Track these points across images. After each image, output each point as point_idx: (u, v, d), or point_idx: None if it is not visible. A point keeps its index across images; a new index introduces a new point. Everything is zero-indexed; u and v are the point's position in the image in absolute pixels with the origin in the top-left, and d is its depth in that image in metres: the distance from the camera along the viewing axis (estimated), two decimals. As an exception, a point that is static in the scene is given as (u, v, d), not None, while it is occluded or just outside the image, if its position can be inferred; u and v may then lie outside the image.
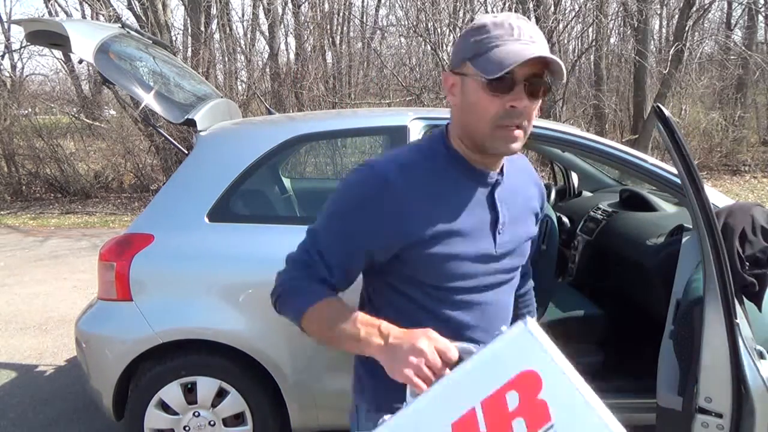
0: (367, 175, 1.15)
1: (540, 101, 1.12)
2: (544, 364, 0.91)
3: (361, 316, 1.10)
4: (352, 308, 1.14)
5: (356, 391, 1.31)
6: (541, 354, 0.92)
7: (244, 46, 12.85)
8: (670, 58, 10.15)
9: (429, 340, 1.00)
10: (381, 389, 1.15)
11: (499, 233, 1.20)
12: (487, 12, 11.16)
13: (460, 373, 0.92)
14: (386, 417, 0.93)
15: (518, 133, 1.11)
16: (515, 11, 10.08)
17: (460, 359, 0.97)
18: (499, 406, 0.88)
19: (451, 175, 1.17)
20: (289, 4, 12.41)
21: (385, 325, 1.07)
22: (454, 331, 1.16)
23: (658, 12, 13.11)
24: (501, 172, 1.21)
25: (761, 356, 1.85)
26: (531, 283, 1.52)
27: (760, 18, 12.74)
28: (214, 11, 11.08)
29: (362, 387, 1.28)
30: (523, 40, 1.06)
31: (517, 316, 1.32)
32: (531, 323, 0.94)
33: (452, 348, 1.00)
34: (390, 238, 1.14)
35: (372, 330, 1.07)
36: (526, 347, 0.91)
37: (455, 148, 1.19)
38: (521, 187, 1.28)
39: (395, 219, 1.12)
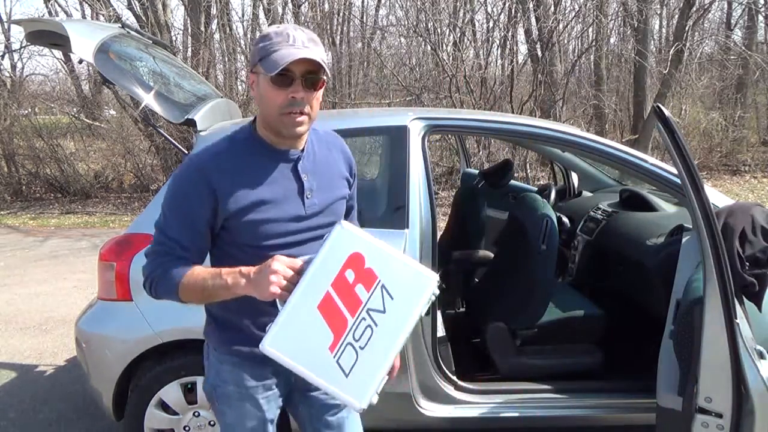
0: (187, 168, 1.44)
1: (318, 92, 1.42)
2: (361, 244, 1.31)
3: (224, 270, 1.37)
4: (211, 269, 1.42)
5: (206, 334, 1.62)
6: (357, 239, 1.31)
7: (244, 46, 12.84)
8: (670, 58, 10.14)
9: (279, 261, 1.31)
10: (220, 331, 1.56)
11: (307, 198, 1.49)
12: (487, 12, 11.17)
13: (311, 273, 1.28)
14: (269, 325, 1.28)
15: (302, 118, 1.41)
16: (515, 11, 10.09)
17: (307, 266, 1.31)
18: (343, 282, 1.29)
19: (254, 157, 1.46)
20: (289, 4, 12.42)
21: (244, 268, 1.35)
22: None
23: (658, 12, 13.10)
24: (303, 150, 1.50)
25: (761, 356, 1.85)
26: None
27: (760, 18, 12.73)
28: (214, 11, 11.07)
29: (209, 330, 1.60)
30: (297, 45, 1.35)
31: None
32: (344, 223, 1.33)
33: (297, 261, 1.32)
34: (215, 213, 1.42)
35: (235, 275, 1.35)
36: (346, 238, 1.31)
37: (260, 135, 1.48)
38: (330, 158, 1.58)
39: (213, 198, 1.40)
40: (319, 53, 1.38)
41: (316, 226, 1.50)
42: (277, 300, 1.30)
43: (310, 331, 1.27)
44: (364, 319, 1.29)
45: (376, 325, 1.29)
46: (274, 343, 1.27)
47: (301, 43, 1.36)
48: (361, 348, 1.28)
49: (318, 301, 1.28)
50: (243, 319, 1.52)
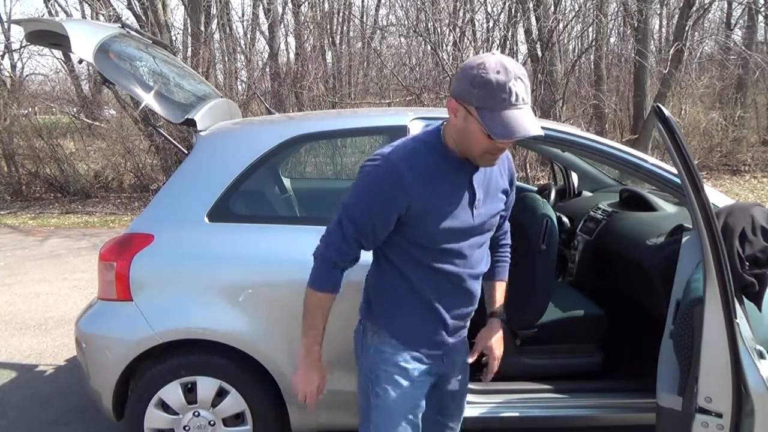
0: (384, 165, 1.52)
1: None
2: None
3: (317, 330, 1.64)
4: (325, 315, 1.63)
5: (364, 314, 1.72)
6: None
7: (244, 46, 12.86)
8: (670, 58, 10.14)
9: (316, 378, 1.69)
10: (385, 316, 1.66)
11: (475, 208, 1.59)
12: (487, 12, 11.16)
13: None
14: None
15: (499, 158, 1.54)
16: (515, 11, 10.10)
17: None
18: None
19: (441, 164, 1.55)
20: (289, 4, 12.42)
21: (315, 348, 1.65)
22: (444, 275, 1.61)
23: (658, 12, 13.11)
24: None
25: (761, 356, 1.85)
26: (507, 240, 1.95)
27: (760, 18, 12.73)
28: (214, 11, 11.07)
29: (371, 312, 1.70)
30: (519, 105, 1.40)
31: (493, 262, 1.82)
32: None
33: (324, 389, 1.69)
34: (401, 211, 1.53)
35: (308, 341, 1.65)
36: None
37: (450, 147, 1.55)
38: (495, 172, 1.66)
39: (408, 196, 1.50)
40: (535, 119, 1.42)
41: (478, 235, 1.63)
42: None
43: None
44: None
45: None
46: None
47: (521, 100, 1.40)
48: None
49: None
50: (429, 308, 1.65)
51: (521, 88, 1.39)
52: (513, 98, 1.38)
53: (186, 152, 2.95)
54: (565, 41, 11.56)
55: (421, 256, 1.58)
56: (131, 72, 2.75)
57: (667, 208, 3.19)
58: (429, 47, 9.98)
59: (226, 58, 11.65)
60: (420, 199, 1.51)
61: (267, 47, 12.34)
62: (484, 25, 11.63)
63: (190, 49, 11.15)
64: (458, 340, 1.75)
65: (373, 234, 1.56)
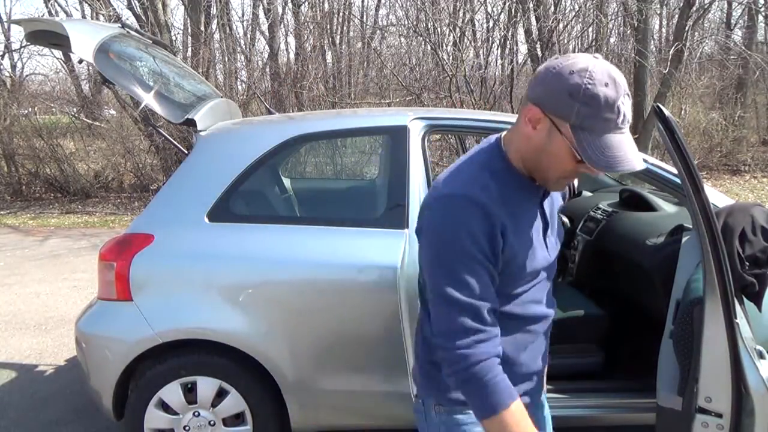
0: (462, 203, 1.16)
1: None
2: None
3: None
4: (527, 416, 1.18)
5: (422, 386, 1.36)
6: None
7: (244, 46, 12.86)
8: (670, 58, 10.14)
9: None
10: (448, 388, 1.27)
11: (547, 238, 1.31)
12: (487, 12, 11.16)
13: None
14: None
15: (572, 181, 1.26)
16: (515, 11, 10.10)
17: None
18: None
19: (518, 193, 1.22)
20: (289, 4, 12.43)
21: None
22: (525, 325, 1.30)
23: (658, 12, 13.11)
24: None
25: (761, 356, 1.85)
26: None
27: (760, 18, 12.73)
28: (214, 11, 11.08)
29: (435, 383, 1.31)
30: (624, 129, 1.13)
31: None
32: None
33: None
34: (503, 254, 1.18)
35: None
36: None
37: (517, 167, 1.23)
38: (556, 193, 1.39)
39: (499, 237, 1.17)
40: (635, 146, 1.17)
41: (549, 270, 1.35)
42: None
43: None
44: None
45: None
46: None
47: (627, 122, 1.14)
48: None
49: None
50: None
51: (629, 107, 1.13)
52: (620, 120, 1.11)
53: (186, 152, 2.95)
54: (565, 41, 11.55)
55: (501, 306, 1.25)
56: (131, 72, 2.75)
57: (667, 208, 3.19)
58: (429, 47, 9.98)
59: (226, 58, 11.66)
60: (512, 234, 1.19)
61: (267, 47, 12.35)
62: (484, 25, 11.65)
63: (190, 49, 11.15)
64: (540, 393, 1.49)
65: (491, 280, 1.18)
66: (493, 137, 1.27)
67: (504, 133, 1.26)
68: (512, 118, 3.50)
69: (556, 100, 1.11)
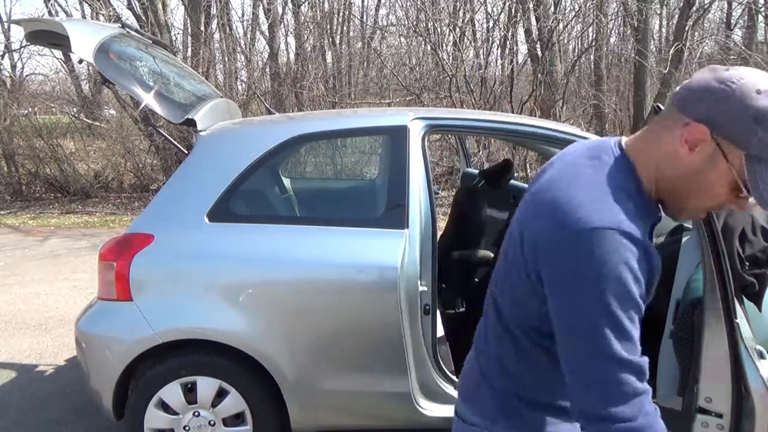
0: (623, 239, 0.93)
1: None
2: None
3: None
4: None
5: (498, 419, 1.14)
6: None
7: (244, 46, 12.86)
8: (670, 58, 10.13)
9: None
10: (536, 426, 1.11)
11: None
12: (487, 12, 11.15)
13: None
14: None
15: None
16: (515, 11, 10.09)
17: None
18: None
19: (645, 221, 1.01)
20: (289, 4, 12.42)
21: None
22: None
23: (658, 12, 13.10)
24: None
25: (761, 356, 1.85)
26: None
27: (760, 18, 12.73)
28: (214, 11, 11.08)
29: (519, 421, 1.13)
30: None
31: None
32: None
33: None
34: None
35: None
36: None
37: (645, 191, 1.02)
38: None
39: (647, 281, 0.98)
40: None
41: None
42: None
43: None
44: None
45: None
46: None
47: None
48: None
49: None
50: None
51: None
52: None
53: (186, 152, 2.95)
54: (565, 41, 11.56)
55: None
56: (131, 72, 2.75)
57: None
58: (429, 47, 9.98)
59: (226, 58, 11.66)
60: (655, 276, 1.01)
61: (267, 47, 12.35)
62: (484, 25, 11.63)
63: (190, 49, 11.16)
64: None
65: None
66: (605, 141, 1.06)
67: (625, 139, 1.05)
68: (512, 117, 3.50)
69: (735, 124, 0.91)
